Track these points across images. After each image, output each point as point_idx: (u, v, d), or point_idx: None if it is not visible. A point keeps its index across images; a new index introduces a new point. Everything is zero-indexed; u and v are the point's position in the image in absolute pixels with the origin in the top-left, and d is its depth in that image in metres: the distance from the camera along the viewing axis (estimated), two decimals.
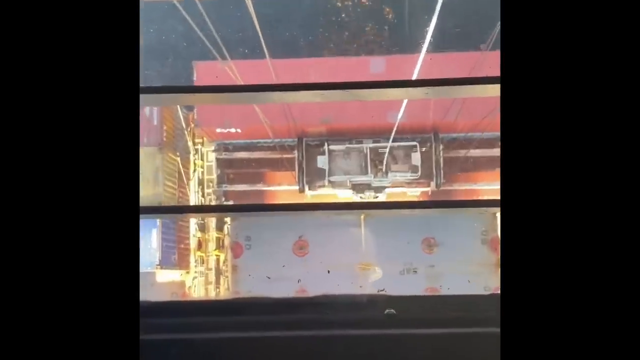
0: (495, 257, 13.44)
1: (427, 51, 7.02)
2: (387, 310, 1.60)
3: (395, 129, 11.20)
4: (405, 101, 9.45)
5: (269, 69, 9.18)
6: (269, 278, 12.36)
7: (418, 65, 7.38)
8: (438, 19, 6.08)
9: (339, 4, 18.83)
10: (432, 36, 6.70)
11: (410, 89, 2.00)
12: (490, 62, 9.55)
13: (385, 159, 12.67)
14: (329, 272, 11.83)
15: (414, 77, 7.81)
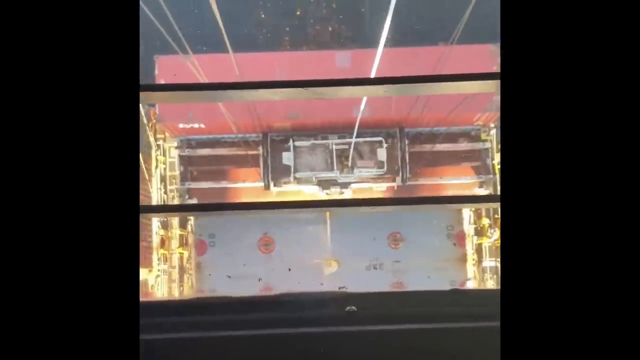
0: (460, 251, 13.61)
1: (389, 46, 7.04)
2: (348, 308, 1.62)
3: (358, 124, 11.22)
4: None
5: (232, 64, 9.12)
6: (229, 277, 12.34)
7: (377, 59, 7.42)
8: (399, 16, 6.12)
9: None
10: (396, 32, 6.75)
11: (372, 87, 2.02)
12: (452, 57, 9.65)
13: (350, 154, 12.70)
14: (289, 270, 11.85)
15: (374, 70, 7.84)
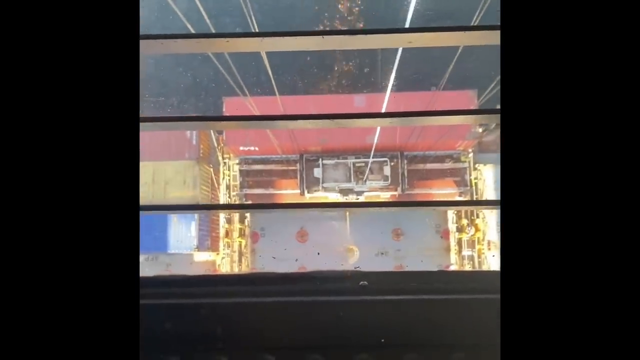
0: (445, 243, 13.49)
1: (393, 90, 7.03)
2: (361, 282, 1.60)
3: (374, 148, 11.24)
4: (379, 128, 9.46)
5: (278, 103, 9.18)
6: (274, 258, 12.40)
7: (385, 101, 7.42)
8: (399, 67, 6.11)
9: (329, 57, 18.83)
10: (397, 79, 6.73)
11: (382, 119, 2.02)
12: (440, 100, 9.58)
13: (365, 171, 12.72)
14: (318, 253, 11.87)
15: (383, 110, 7.82)
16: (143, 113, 1.40)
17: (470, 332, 1.51)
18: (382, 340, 1.51)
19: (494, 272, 1.53)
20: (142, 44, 1.54)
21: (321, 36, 1.46)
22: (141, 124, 1.45)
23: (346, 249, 12.75)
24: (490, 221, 12.73)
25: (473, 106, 11.59)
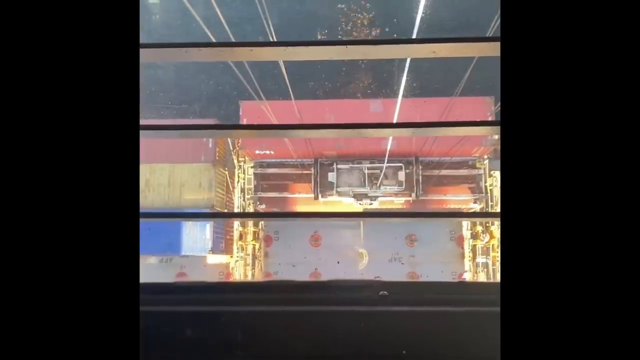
0: (459, 250, 13.37)
1: (411, 96, 7.01)
2: (381, 292, 1.59)
3: (388, 154, 11.20)
4: None
5: (294, 107, 9.20)
6: (294, 266, 12.43)
7: (397, 106, 7.40)
8: (415, 72, 6.09)
9: (345, 62, 18.87)
10: (415, 85, 6.72)
11: (397, 129, 2.01)
12: (458, 105, 9.52)
13: (379, 176, 12.66)
14: (338, 262, 11.84)
15: (396, 113, 7.79)
16: (165, 120, 1.41)
17: (493, 345, 1.49)
18: (404, 352, 1.49)
19: None
20: (166, 52, 1.55)
21: (345, 46, 1.46)
22: (144, 132, 1.44)
23: (357, 253, 12.73)
24: None
25: (490, 112, 11.51)
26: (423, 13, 4.93)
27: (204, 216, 6.83)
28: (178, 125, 1.69)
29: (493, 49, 1.44)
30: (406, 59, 5.90)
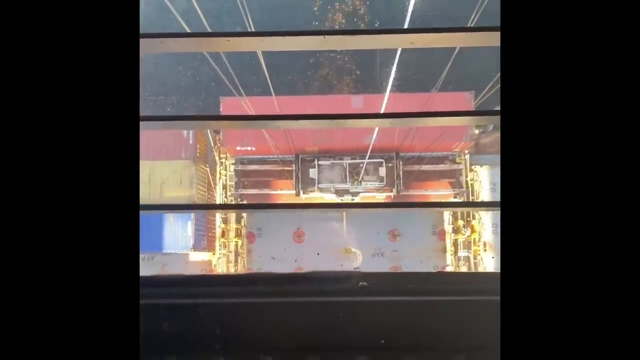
0: (442, 244, 13.50)
1: (391, 91, 7.00)
2: (360, 283, 1.59)
3: (370, 149, 11.23)
4: (377, 128, 9.46)
5: (274, 103, 9.16)
6: (273, 259, 12.40)
7: (384, 102, 7.39)
8: (399, 68, 6.10)
9: (326, 56, 18.87)
10: (395, 80, 6.72)
11: (380, 119, 2.01)
12: (437, 101, 9.59)
13: (360, 172, 12.71)
14: (318, 254, 11.86)
15: (383, 109, 7.79)
16: (142, 112, 1.39)
17: (470, 334, 1.51)
18: (382, 342, 1.50)
19: (493, 273, 1.52)
20: (143, 42, 1.53)
21: (322, 36, 1.46)
22: (141, 123, 1.43)
23: (345, 250, 12.76)
24: (486, 222, 12.74)
25: (469, 108, 11.61)
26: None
27: (200, 208, 6.78)
28: (178, 116, 1.68)
29: (490, 39, 1.43)
30: (395, 55, 5.90)
